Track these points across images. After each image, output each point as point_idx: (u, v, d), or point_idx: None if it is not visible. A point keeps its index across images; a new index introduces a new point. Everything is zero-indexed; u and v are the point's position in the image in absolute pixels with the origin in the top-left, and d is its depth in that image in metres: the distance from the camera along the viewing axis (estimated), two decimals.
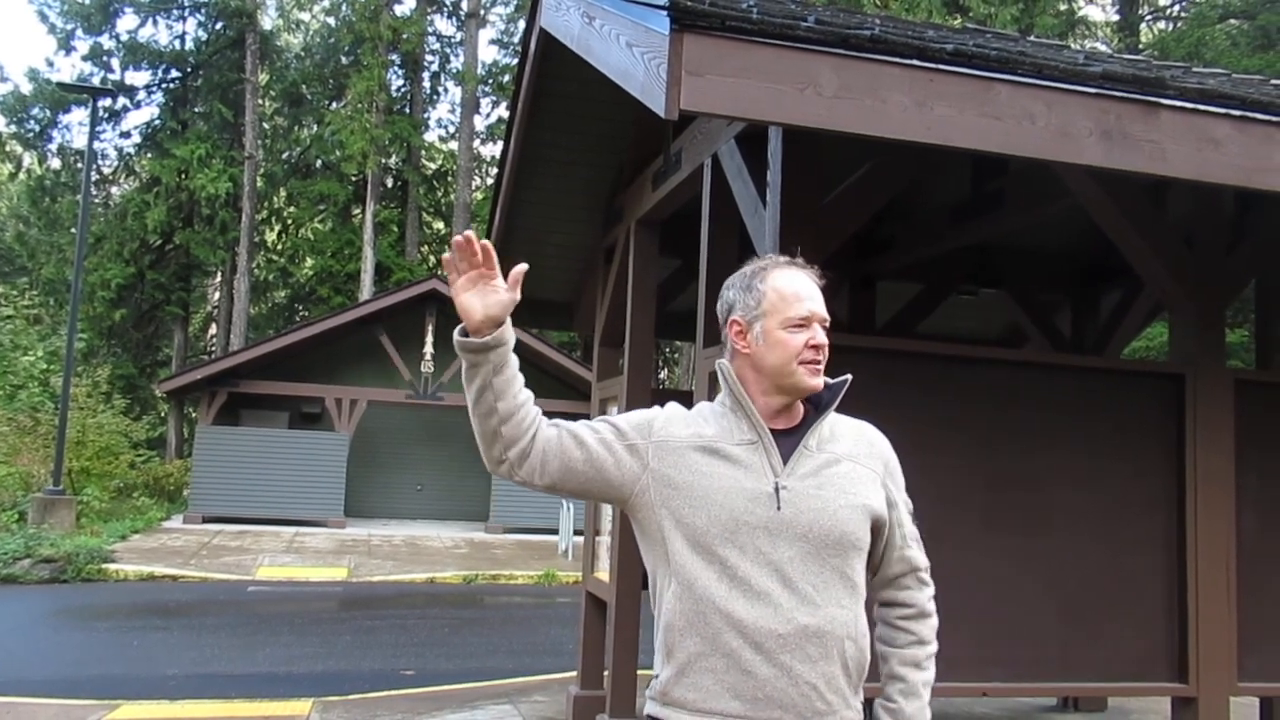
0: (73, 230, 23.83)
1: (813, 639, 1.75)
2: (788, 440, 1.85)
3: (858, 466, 1.89)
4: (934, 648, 1.97)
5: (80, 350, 22.96)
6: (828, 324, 1.87)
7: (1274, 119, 2.95)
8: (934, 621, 1.99)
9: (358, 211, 28.78)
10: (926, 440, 3.76)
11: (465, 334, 1.77)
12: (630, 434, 1.87)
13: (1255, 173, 2.93)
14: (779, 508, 1.78)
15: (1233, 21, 19.12)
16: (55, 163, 28.14)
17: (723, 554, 1.76)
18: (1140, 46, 21.15)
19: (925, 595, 1.99)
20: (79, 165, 26.02)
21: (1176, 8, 23.75)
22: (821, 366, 1.85)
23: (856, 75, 2.62)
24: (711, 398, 2.02)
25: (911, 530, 1.98)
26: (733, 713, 1.73)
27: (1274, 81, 4.04)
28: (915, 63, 2.66)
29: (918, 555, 1.98)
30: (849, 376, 1.92)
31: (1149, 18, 24.56)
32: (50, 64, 28.78)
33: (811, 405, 1.91)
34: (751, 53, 2.56)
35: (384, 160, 27.35)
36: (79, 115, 27.04)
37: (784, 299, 1.85)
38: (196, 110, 28.05)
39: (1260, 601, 4.02)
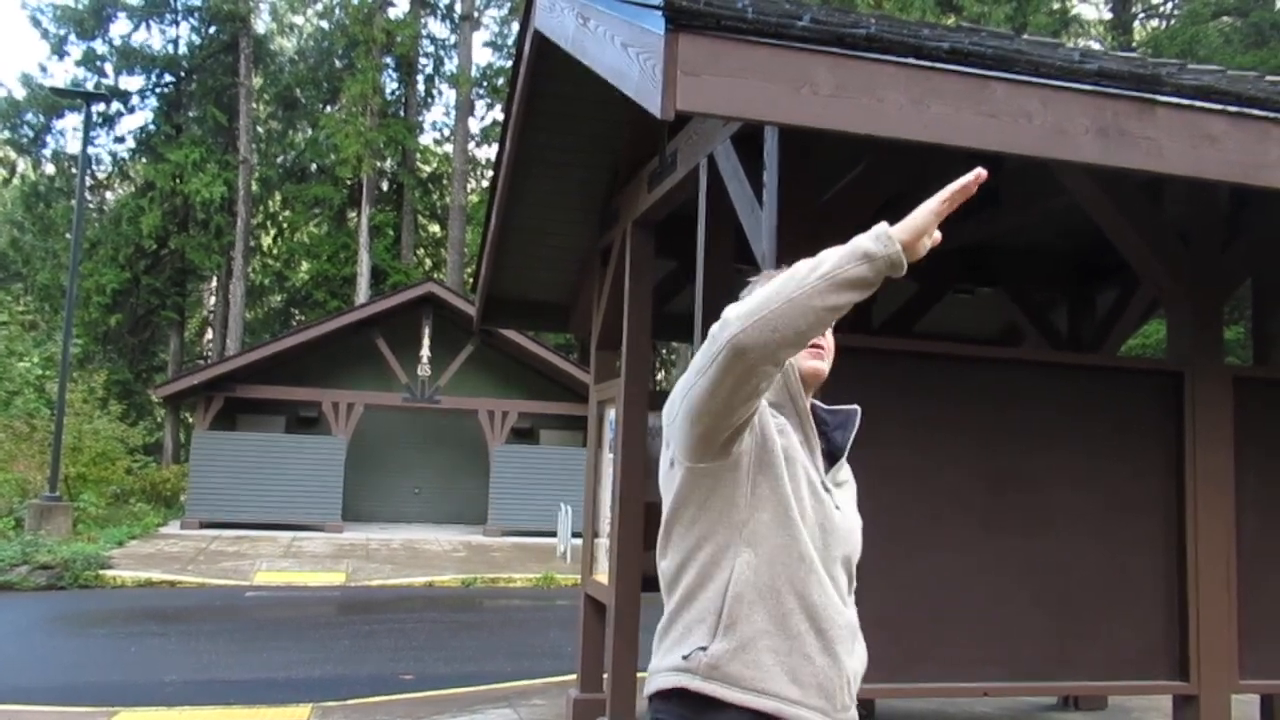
0: (67, 236, 23.80)
1: (852, 634, 1.80)
2: None
3: (852, 485, 1.99)
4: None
5: (76, 356, 22.94)
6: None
7: (1270, 115, 2.95)
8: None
9: (353, 215, 28.76)
10: (924, 440, 3.75)
11: (890, 250, 1.56)
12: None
13: (1252, 169, 2.93)
14: (837, 507, 1.83)
15: (1225, 19, 19.15)
16: (49, 168, 28.09)
17: (801, 539, 1.73)
18: (1134, 45, 21.18)
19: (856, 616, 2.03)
20: (73, 170, 25.97)
21: (1169, 6, 23.79)
22: (823, 352, 1.86)
23: (852, 74, 2.62)
24: None
25: None
26: (788, 696, 1.68)
27: (1269, 78, 4.04)
28: (911, 61, 2.66)
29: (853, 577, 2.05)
30: (857, 408, 1.96)
31: (1142, 16, 24.61)
32: (44, 69, 28.86)
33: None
34: (747, 52, 2.55)
35: (379, 163, 27.34)
36: (73, 120, 27.13)
37: None
38: (190, 114, 28.03)
39: (1261, 598, 4.01)
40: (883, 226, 1.58)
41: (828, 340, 1.86)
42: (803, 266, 1.58)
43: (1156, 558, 3.94)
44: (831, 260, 1.56)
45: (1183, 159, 2.86)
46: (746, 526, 1.73)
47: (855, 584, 2.01)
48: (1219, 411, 3.96)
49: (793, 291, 1.55)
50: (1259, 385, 4.17)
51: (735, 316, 1.59)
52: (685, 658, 1.71)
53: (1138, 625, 3.89)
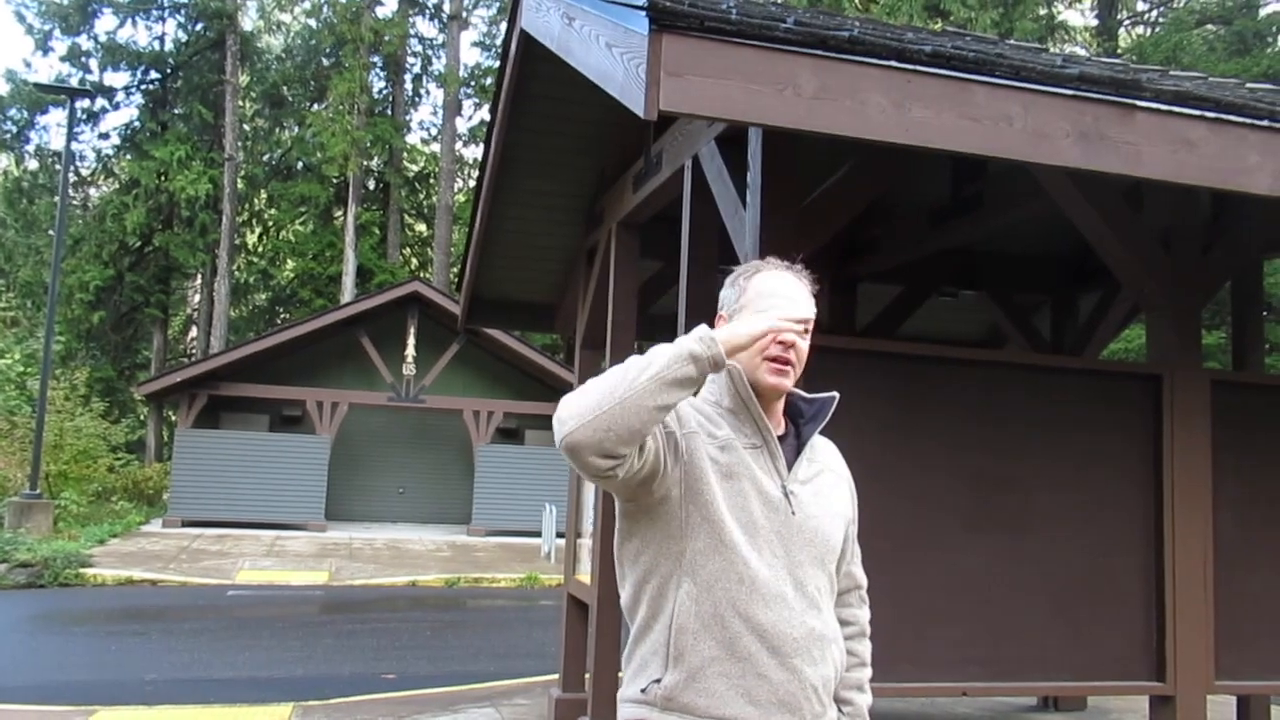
0: (50, 232, 23.63)
1: (817, 642, 1.77)
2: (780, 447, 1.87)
3: (837, 478, 1.95)
4: (871, 671, 2.01)
5: (58, 353, 22.78)
6: (807, 328, 1.84)
7: (1248, 121, 2.98)
8: (870, 644, 2.02)
9: (339, 214, 28.66)
10: (906, 440, 3.77)
11: (713, 352, 1.67)
12: (669, 422, 1.77)
13: (1229, 174, 2.95)
14: (793, 512, 1.80)
15: (1209, 27, 19.30)
16: (33, 164, 27.87)
17: (745, 555, 1.74)
18: (1119, 51, 21.32)
19: (866, 615, 2.03)
20: (57, 167, 25.78)
21: (1154, 13, 23.96)
22: (788, 368, 1.82)
23: (835, 76, 2.63)
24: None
25: (857, 548, 2.03)
26: (745, 718, 1.71)
27: (1249, 85, 4.08)
28: (894, 64, 2.67)
29: (861, 573, 2.03)
30: (836, 394, 1.93)
31: (1127, 23, 24.78)
32: (28, 65, 28.55)
33: (789, 418, 1.91)
34: (730, 53, 2.56)
35: (365, 162, 27.25)
36: (57, 116, 26.88)
37: (760, 294, 1.85)
38: (176, 111, 27.86)
39: (1237, 600, 4.05)
40: (704, 329, 1.68)
41: (798, 352, 1.82)
42: (634, 366, 1.64)
43: (1135, 559, 3.97)
44: (660, 362, 1.63)
45: (1161, 164, 2.89)
46: (684, 556, 1.75)
47: (846, 580, 1.98)
48: (1197, 415, 3.99)
49: (625, 393, 1.60)
50: (1237, 389, 4.20)
51: (569, 415, 1.62)
52: (643, 691, 1.77)
53: (1116, 626, 3.92)
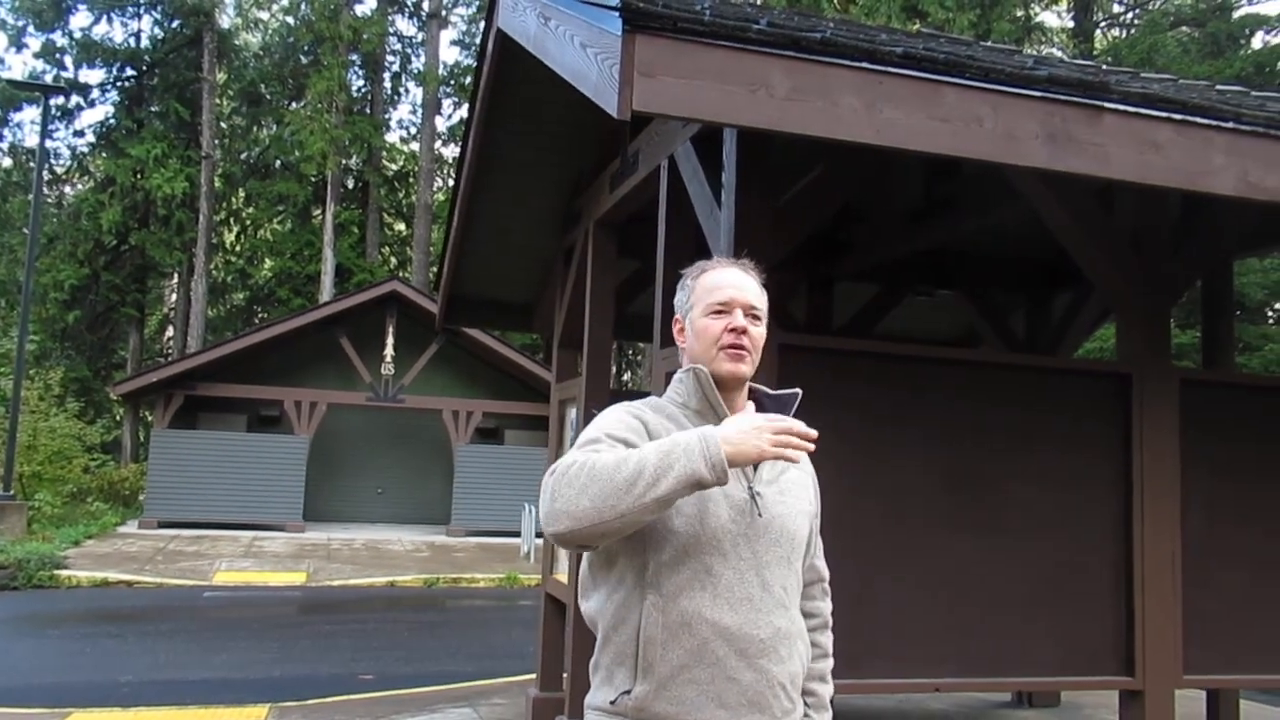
0: (24, 230, 23.37)
1: (783, 640, 1.79)
2: None
3: (801, 474, 1.95)
4: (833, 661, 2.03)
5: (32, 352, 22.55)
6: (758, 314, 1.87)
7: (1214, 123, 3.02)
8: (831, 635, 2.04)
9: (318, 212, 28.49)
10: (881, 438, 3.80)
11: (716, 477, 1.64)
12: (635, 441, 1.77)
13: (1196, 175, 3.00)
14: (760, 514, 1.80)
15: (1184, 29, 19.50)
16: (6, 161, 27.60)
17: (709, 562, 1.75)
18: (1094, 53, 21.50)
19: (828, 607, 2.05)
20: (31, 164, 25.50)
21: (1130, 15, 24.17)
22: (744, 354, 1.84)
23: (807, 77, 2.65)
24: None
25: (820, 541, 2.05)
26: None
27: (1219, 87, 4.13)
28: (865, 65, 2.70)
29: (824, 566, 2.06)
30: (799, 391, 1.94)
31: (1103, 24, 24.98)
32: (1, 61, 28.30)
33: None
34: (704, 54, 2.57)
35: (344, 161, 27.12)
36: (31, 114, 26.55)
37: (706, 289, 1.88)
38: (152, 109, 27.59)
39: (1205, 595, 4.10)
40: (719, 453, 1.62)
41: (751, 338, 1.85)
42: (641, 479, 1.61)
43: (1105, 556, 4.02)
44: (666, 484, 1.61)
45: (1128, 165, 2.92)
46: (648, 569, 1.76)
47: (809, 574, 1.99)
48: (1166, 413, 4.05)
49: (626, 508, 1.61)
50: (1205, 387, 4.26)
51: (565, 512, 1.64)
52: (613, 702, 1.78)
53: (1087, 621, 3.96)
